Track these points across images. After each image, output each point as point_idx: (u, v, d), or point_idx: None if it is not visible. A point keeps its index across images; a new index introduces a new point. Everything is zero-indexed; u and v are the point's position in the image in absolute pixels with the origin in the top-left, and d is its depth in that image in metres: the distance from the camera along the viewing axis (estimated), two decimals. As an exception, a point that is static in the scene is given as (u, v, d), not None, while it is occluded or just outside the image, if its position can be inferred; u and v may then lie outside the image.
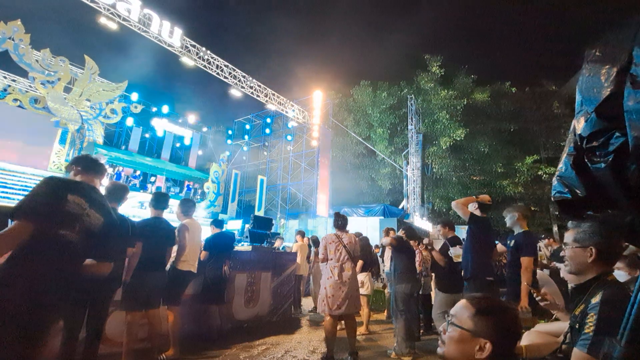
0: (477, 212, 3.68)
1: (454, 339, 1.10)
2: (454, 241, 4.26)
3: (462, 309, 1.12)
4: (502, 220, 3.93)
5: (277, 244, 7.56)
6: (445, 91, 21.39)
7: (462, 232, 4.22)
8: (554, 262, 5.29)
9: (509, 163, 20.72)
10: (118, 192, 3.09)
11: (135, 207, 13.59)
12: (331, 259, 3.90)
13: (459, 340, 1.09)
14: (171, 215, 4.53)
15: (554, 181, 1.06)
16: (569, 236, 1.59)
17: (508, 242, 3.56)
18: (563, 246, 1.62)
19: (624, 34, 0.83)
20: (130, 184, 14.76)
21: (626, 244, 1.83)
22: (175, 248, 3.76)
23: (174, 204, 4.27)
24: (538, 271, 4.00)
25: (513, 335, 1.09)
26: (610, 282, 1.47)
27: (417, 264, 4.58)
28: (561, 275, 3.04)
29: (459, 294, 3.85)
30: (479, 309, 1.09)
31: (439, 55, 21.87)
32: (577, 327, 1.44)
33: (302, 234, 7.35)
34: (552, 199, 1.08)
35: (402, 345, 4.04)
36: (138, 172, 16.78)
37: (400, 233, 4.59)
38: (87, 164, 2.10)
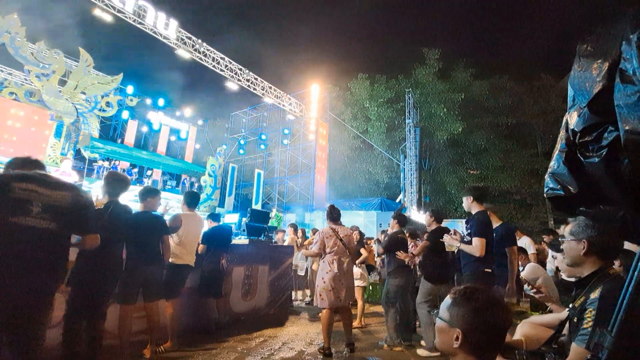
0: (476, 205, 3.68)
1: (438, 330, 1.14)
2: (436, 233, 4.11)
3: (445, 300, 1.15)
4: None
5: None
6: (443, 85, 21.33)
7: (458, 225, 4.21)
8: (552, 251, 5.34)
9: (506, 157, 20.76)
10: (116, 184, 2.98)
11: (130, 201, 13.48)
12: (329, 253, 3.92)
13: (441, 331, 1.12)
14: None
15: (547, 178, 1.07)
16: (567, 229, 1.62)
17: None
18: (561, 239, 1.64)
19: (615, 28, 0.82)
20: (126, 178, 14.55)
21: None
22: (172, 242, 3.74)
23: (169, 197, 4.26)
24: (532, 263, 4.03)
25: (487, 324, 1.03)
26: (612, 276, 1.46)
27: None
28: (555, 264, 3.10)
29: (445, 284, 3.93)
30: (454, 299, 1.11)
31: (437, 49, 21.79)
32: (575, 320, 1.45)
33: (294, 227, 7.34)
34: (544, 195, 1.08)
35: (393, 336, 4.09)
36: (128, 165, 16.43)
37: (392, 222, 4.58)
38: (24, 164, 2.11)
